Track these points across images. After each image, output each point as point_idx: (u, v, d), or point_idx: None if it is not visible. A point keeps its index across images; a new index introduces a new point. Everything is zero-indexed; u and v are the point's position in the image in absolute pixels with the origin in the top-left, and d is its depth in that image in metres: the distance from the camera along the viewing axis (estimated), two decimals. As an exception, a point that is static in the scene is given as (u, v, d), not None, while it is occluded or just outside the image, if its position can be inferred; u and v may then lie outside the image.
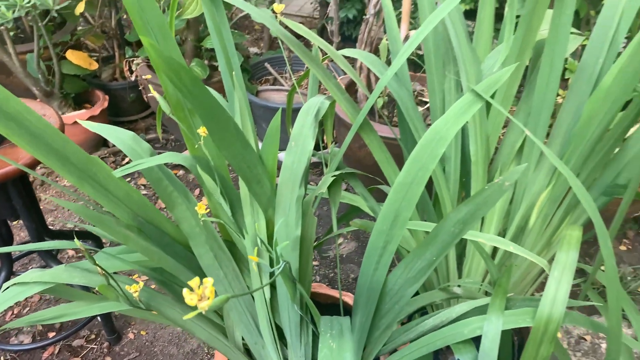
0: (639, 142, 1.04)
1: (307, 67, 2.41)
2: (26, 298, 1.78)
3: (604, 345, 1.62)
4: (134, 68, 2.37)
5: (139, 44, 2.56)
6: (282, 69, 2.52)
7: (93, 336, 1.65)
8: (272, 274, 0.90)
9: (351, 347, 0.74)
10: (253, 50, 3.15)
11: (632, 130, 1.04)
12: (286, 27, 1.06)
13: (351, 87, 2.13)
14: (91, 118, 2.32)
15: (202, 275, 0.96)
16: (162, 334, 1.66)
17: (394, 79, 1.16)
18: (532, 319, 0.86)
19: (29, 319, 0.93)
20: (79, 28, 2.48)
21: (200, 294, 0.44)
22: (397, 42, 1.22)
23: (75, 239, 0.72)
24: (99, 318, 1.64)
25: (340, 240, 2.00)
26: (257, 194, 0.85)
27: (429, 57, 1.15)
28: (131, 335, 1.65)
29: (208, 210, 0.82)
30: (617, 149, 1.06)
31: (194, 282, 0.44)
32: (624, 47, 0.93)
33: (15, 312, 1.73)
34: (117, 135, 0.93)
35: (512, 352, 1.26)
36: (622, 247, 1.97)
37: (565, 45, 0.98)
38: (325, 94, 1.09)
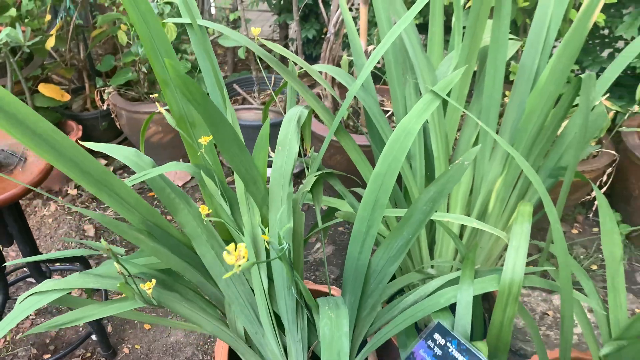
0: (572, 131, 1.21)
1: (273, 85, 2.52)
2: (17, 324, 1.83)
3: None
4: (105, 97, 2.45)
5: (108, 75, 2.64)
6: (249, 89, 2.65)
7: (89, 354, 1.70)
8: (270, 258, 1.01)
9: (347, 315, 0.86)
10: (217, 73, 3.27)
11: (564, 124, 1.21)
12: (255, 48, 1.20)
13: (317, 101, 2.27)
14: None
15: (206, 272, 1.06)
16: (156, 346, 1.73)
17: (360, 89, 1.30)
18: (498, 284, 1.00)
19: (47, 325, 1.01)
20: (45, 62, 2.55)
21: (237, 255, 0.55)
22: (360, 55, 1.37)
23: (102, 240, 0.81)
24: (93, 336, 1.70)
25: (318, 245, 2.12)
26: (253, 193, 0.97)
27: (390, 67, 1.30)
28: (126, 350, 1.71)
29: (210, 211, 0.93)
30: (554, 140, 1.23)
31: (231, 246, 0.56)
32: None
33: (7, 338, 1.77)
34: (121, 153, 1.03)
35: (483, 327, 1.40)
36: (574, 231, 2.16)
37: (505, 50, 1.14)
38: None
